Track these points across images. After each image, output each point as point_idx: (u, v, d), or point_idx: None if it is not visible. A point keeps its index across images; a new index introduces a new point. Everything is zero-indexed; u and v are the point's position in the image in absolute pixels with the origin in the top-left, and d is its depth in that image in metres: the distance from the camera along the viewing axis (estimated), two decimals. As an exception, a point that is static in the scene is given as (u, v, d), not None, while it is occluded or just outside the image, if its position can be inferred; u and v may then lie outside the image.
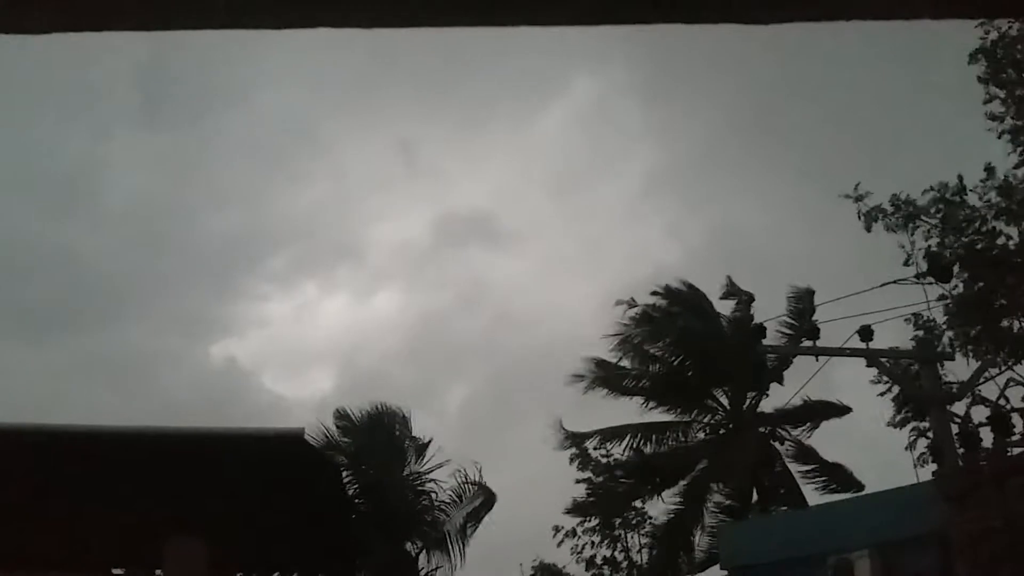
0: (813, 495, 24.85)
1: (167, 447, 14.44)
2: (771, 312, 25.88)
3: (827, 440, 25.94)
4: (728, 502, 25.82)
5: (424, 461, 25.95)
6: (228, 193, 48.01)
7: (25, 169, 41.89)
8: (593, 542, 26.90)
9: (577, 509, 26.71)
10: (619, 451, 26.65)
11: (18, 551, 15.02)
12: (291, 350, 48.36)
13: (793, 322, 24.08)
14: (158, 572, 16.26)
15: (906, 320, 14.68)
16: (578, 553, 26.79)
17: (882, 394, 15.65)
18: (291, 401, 42.92)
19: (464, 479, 25.74)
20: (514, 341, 47.87)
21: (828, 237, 39.68)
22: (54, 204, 43.68)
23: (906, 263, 14.02)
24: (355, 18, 2.21)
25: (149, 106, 43.98)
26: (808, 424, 25.87)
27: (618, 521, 26.81)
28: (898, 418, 15.57)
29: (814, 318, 18.13)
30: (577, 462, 26.55)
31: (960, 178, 13.33)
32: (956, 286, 14.03)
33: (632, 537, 26.96)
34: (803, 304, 24.12)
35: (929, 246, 13.57)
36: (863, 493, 18.20)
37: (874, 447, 25.33)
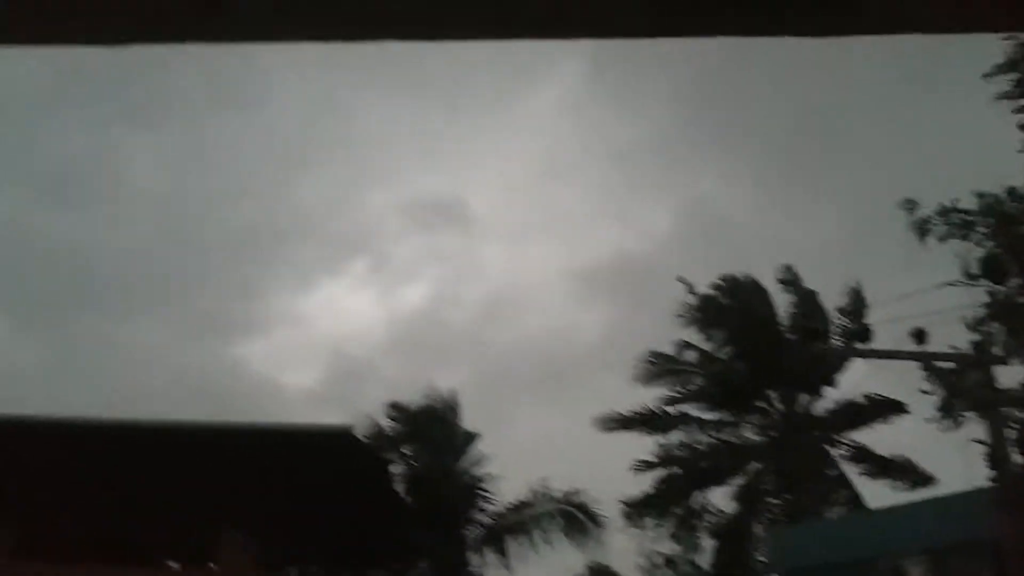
0: (872, 498, 24.56)
1: (220, 443, 14.70)
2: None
3: (881, 445, 25.54)
4: (781, 505, 25.60)
5: (475, 456, 25.99)
6: (225, 192, 49.29)
7: (39, 168, 43.94)
8: (654, 538, 26.75)
9: (635, 503, 26.48)
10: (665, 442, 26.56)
11: (75, 544, 15.40)
12: (283, 343, 49.48)
13: (844, 323, 23.76)
14: (211, 565, 16.57)
15: (963, 323, 14.42)
16: (641, 550, 26.68)
17: (930, 397, 15.41)
18: (285, 393, 43.67)
19: (530, 486, 25.62)
20: (502, 331, 48.22)
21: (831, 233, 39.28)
22: (69, 202, 45.55)
23: (965, 273, 13.83)
24: (343, 32, 2.25)
25: (151, 107, 45.26)
26: (863, 424, 25.50)
27: (674, 518, 26.67)
28: (950, 423, 15.31)
29: (864, 319, 17.91)
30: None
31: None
32: (1010, 289, 13.80)
33: (685, 535, 26.81)
34: (851, 304, 23.78)
35: (982, 252, 13.40)
36: (916, 500, 17.89)
37: (926, 454, 24.83)
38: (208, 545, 15.67)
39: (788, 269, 25.90)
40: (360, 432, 21.88)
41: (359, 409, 25.65)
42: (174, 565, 18.32)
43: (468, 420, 26.41)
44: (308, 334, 50.47)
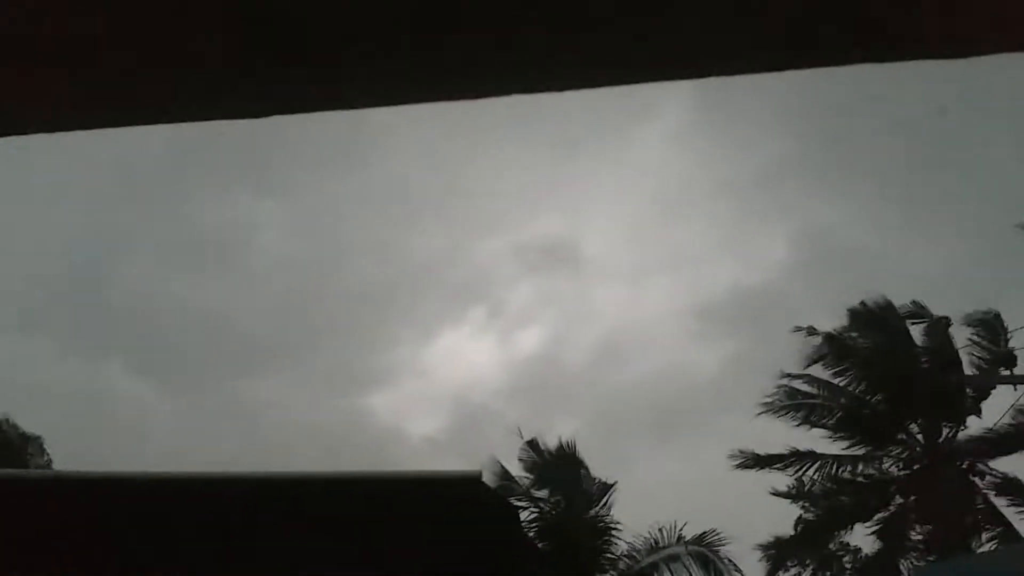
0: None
1: (350, 492, 14.85)
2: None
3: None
4: (928, 541, 24.57)
5: (605, 500, 25.64)
6: (348, 251, 50.65)
7: (174, 236, 46.74)
8: None
9: (774, 545, 25.77)
10: (805, 480, 25.77)
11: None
12: (407, 393, 50.23)
13: (989, 348, 22.69)
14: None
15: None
16: None
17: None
18: (410, 441, 44.23)
19: (663, 530, 25.14)
20: (617, 372, 47.95)
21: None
22: (202, 266, 47.98)
23: None
24: (468, 91, 2.22)
25: (273, 174, 47.06)
26: (1013, 452, 24.30)
27: (815, 558, 25.87)
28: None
29: (1006, 344, 17.11)
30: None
31: None
32: None
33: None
34: (991, 329, 22.73)
35: None
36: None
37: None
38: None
39: (916, 298, 25.08)
40: (488, 478, 21.88)
41: (483, 455, 25.67)
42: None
43: (591, 463, 26.13)
44: (431, 383, 51.13)
